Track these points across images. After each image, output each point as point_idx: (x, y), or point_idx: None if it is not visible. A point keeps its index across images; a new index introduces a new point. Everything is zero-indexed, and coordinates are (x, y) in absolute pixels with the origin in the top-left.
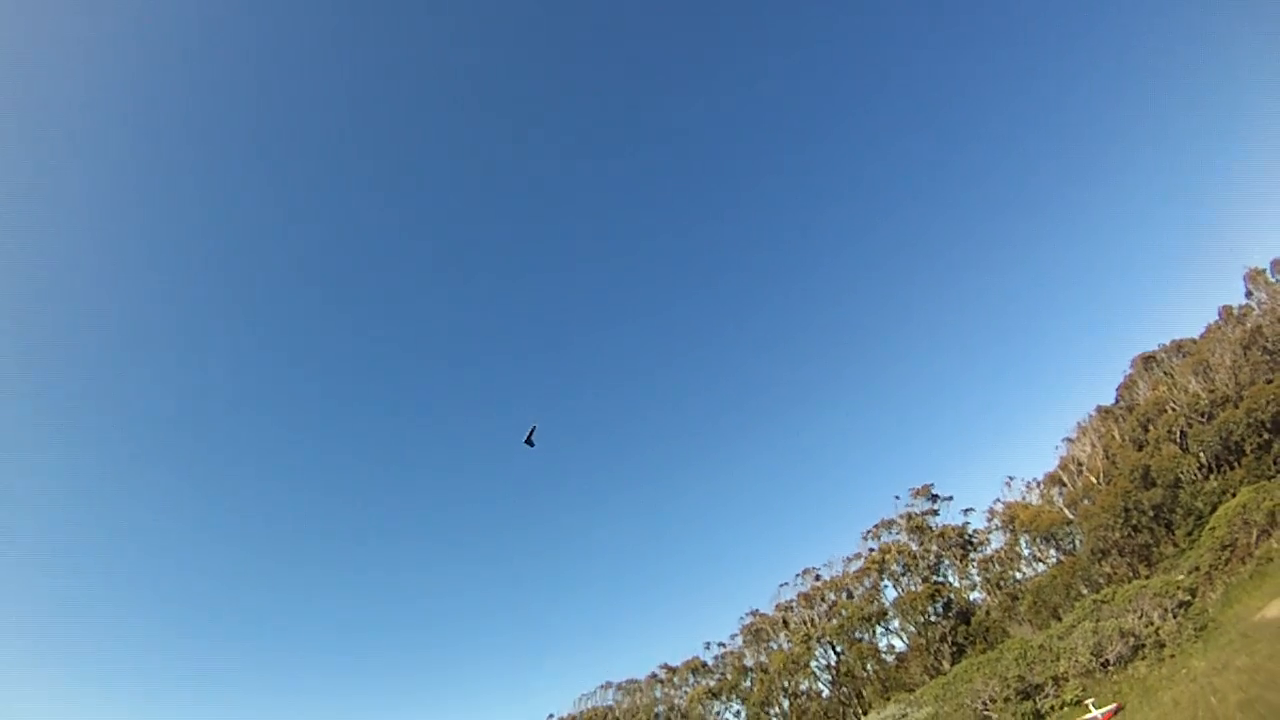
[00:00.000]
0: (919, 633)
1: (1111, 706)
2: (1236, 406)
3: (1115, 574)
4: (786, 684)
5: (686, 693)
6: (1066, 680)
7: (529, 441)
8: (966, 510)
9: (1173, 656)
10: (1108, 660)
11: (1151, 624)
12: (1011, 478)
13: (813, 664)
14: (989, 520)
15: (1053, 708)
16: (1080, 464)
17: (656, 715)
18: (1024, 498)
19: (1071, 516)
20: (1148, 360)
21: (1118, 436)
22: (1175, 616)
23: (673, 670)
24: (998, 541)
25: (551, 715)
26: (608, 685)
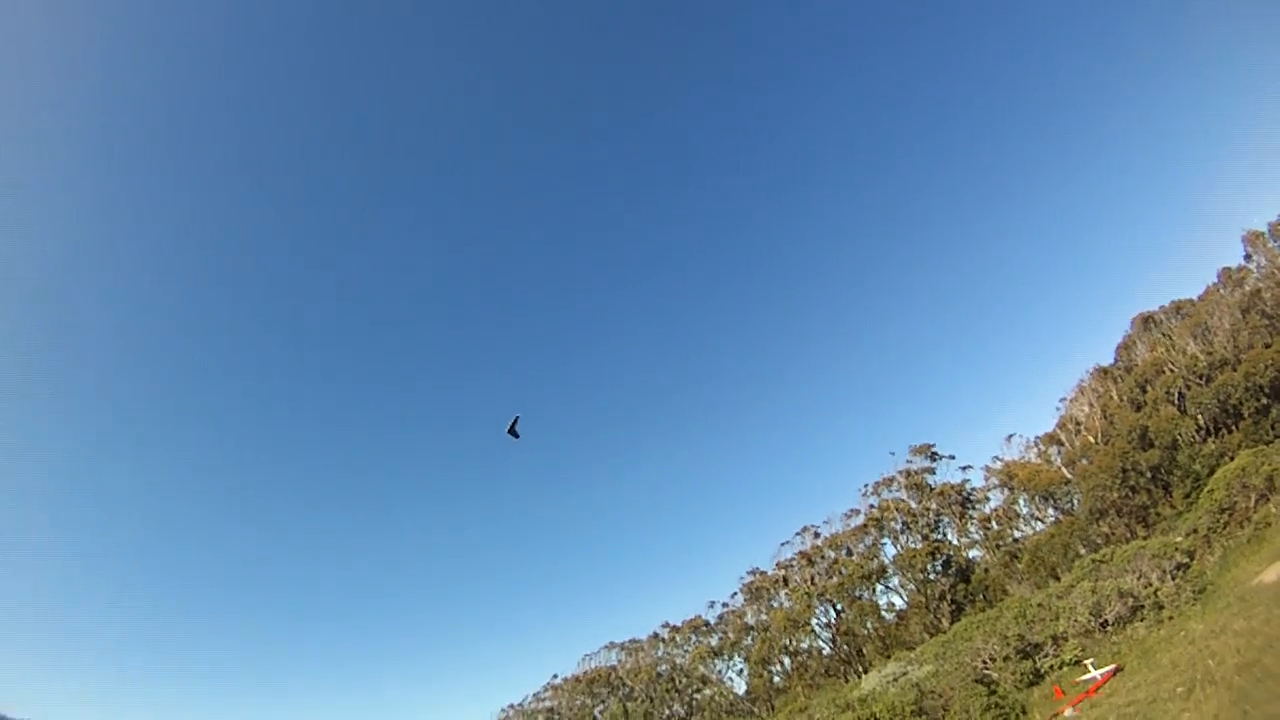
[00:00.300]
0: (918, 590)
1: (1111, 667)
2: (1235, 370)
3: (1113, 534)
4: (788, 642)
5: (689, 651)
6: (1066, 640)
7: (512, 432)
8: (965, 468)
9: (1171, 619)
10: (1106, 621)
11: (1150, 585)
12: (1012, 435)
13: (813, 622)
14: (987, 478)
15: (1052, 667)
16: (1078, 423)
17: (659, 674)
18: (1023, 456)
19: (1070, 476)
20: (1147, 321)
21: (1116, 397)
22: (1173, 578)
23: (675, 629)
24: (996, 500)
25: (556, 675)
26: (611, 645)
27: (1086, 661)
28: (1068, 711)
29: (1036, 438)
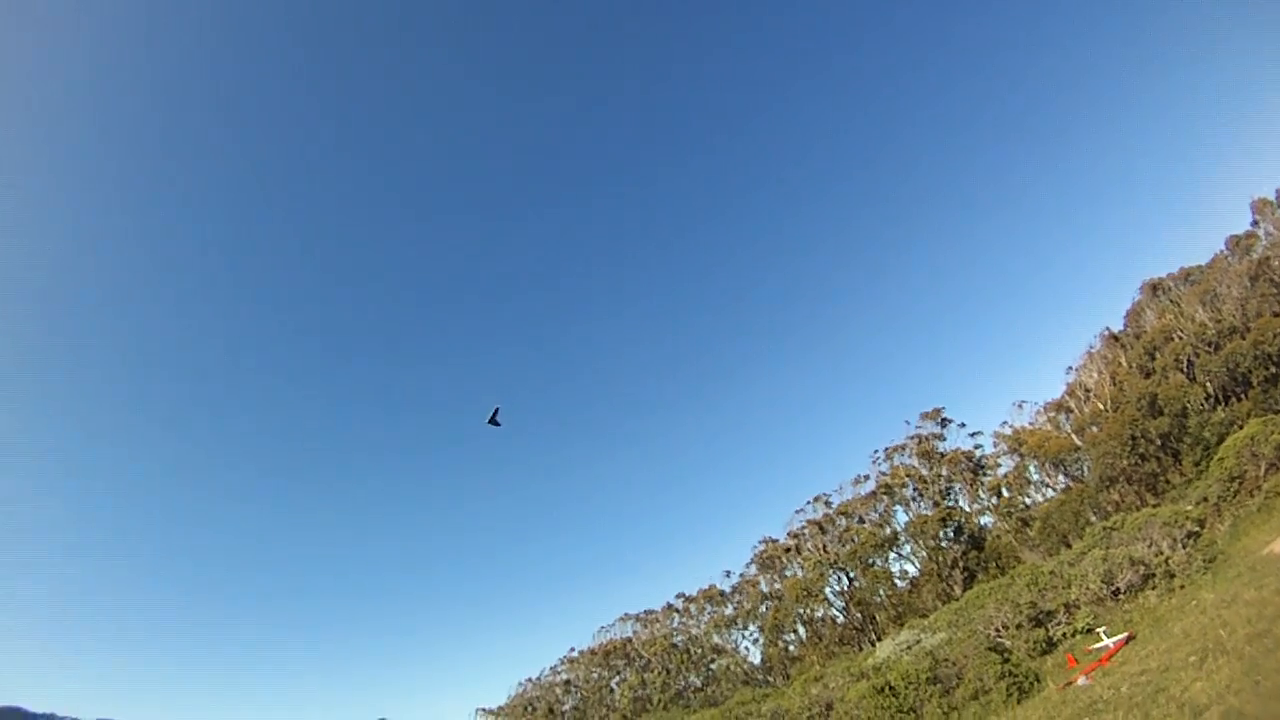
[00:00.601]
0: (930, 558)
1: (1123, 635)
2: (1243, 338)
3: (1123, 502)
4: (802, 610)
5: (704, 622)
6: (1078, 608)
7: (493, 421)
8: (974, 434)
9: (1182, 587)
10: (1118, 589)
11: (1161, 553)
12: (1022, 402)
13: (826, 590)
14: (996, 444)
15: (1065, 635)
16: (1088, 390)
17: (674, 645)
18: (1033, 422)
19: (1079, 443)
20: (1155, 287)
21: (1125, 364)
22: (1184, 547)
23: (690, 599)
24: (1007, 466)
25: (573, 648)
26: (626, 617)
27: (1099, 630)
28: (1081, 680)
29: (1046, 404)
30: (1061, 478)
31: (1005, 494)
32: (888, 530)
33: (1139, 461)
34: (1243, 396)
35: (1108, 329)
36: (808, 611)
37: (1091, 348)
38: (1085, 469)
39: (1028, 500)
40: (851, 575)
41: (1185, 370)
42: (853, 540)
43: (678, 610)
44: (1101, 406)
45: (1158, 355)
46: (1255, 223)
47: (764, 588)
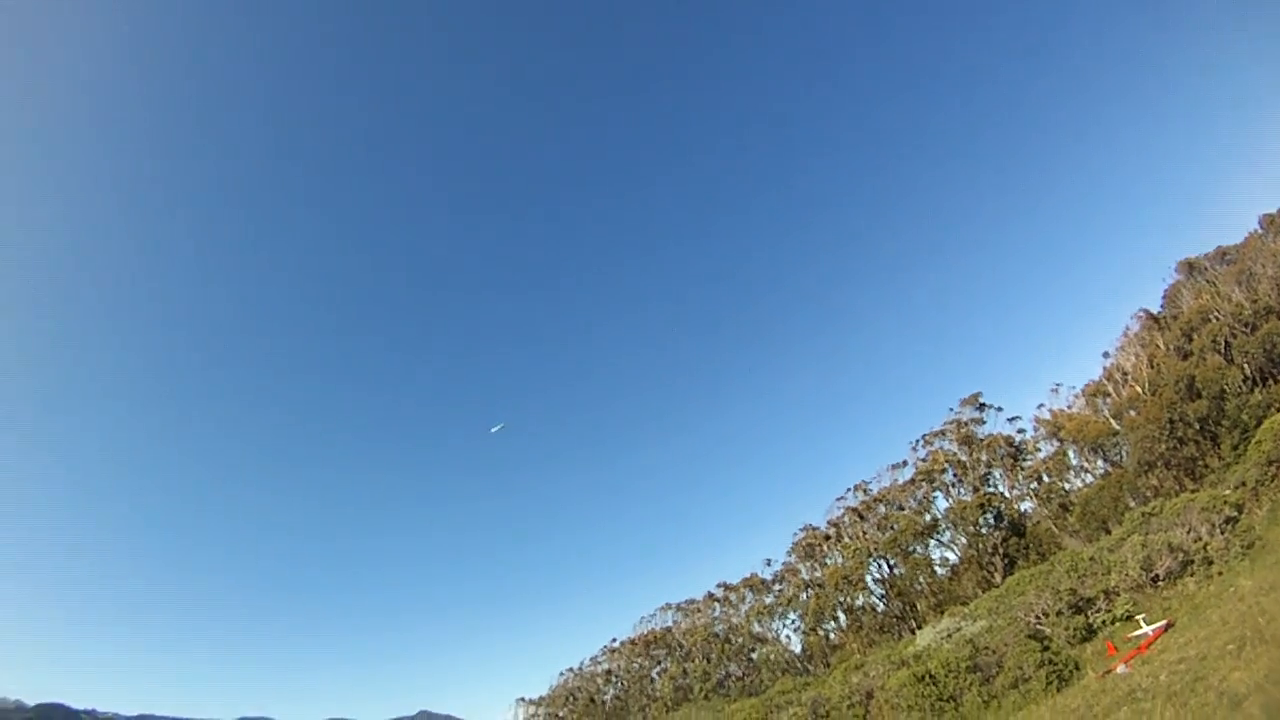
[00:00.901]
0: (970, 544)
1: (1162, 623)
2: (1279, 318)
3: (1162, 487)
4: (842, 598)
5: (745, 611)
6: (1117, 594)
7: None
8: (1013, 419)
9: (1220, 574)
10: (1157, 575)
11: (1199, 539)
12: (1058, 385)
13: (867, 578)
14: (1035, 429)
15: (1104, 622)
16: (1125, 373)
17: (715, 634)
18: (1070, 406)
19: (1118, 427)
20: (1191, 266)
21: (1162, 345)
22: (1222, 533)
23: (730, 588)
24: (1046, 451)
25: (614, 638)
26: (667, 607)
27: (1139, 617)
28: (1120, 668)
29: (1084, 388)
30: (1100, 463)
31: (1045, 479)
32: (927, 517)
33: (1177, 445)
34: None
35: (1144, 310)
36: (848, 599)
37: (1128, 329)
38: (1124, 454)
39: (1067, 486)
40: (892, 563)
41: (1223, 352)
42: (892, 527)
43: (719, 599)
44: (1139, 390)
45: (1195, 337)
46: None
47: (804, 576)
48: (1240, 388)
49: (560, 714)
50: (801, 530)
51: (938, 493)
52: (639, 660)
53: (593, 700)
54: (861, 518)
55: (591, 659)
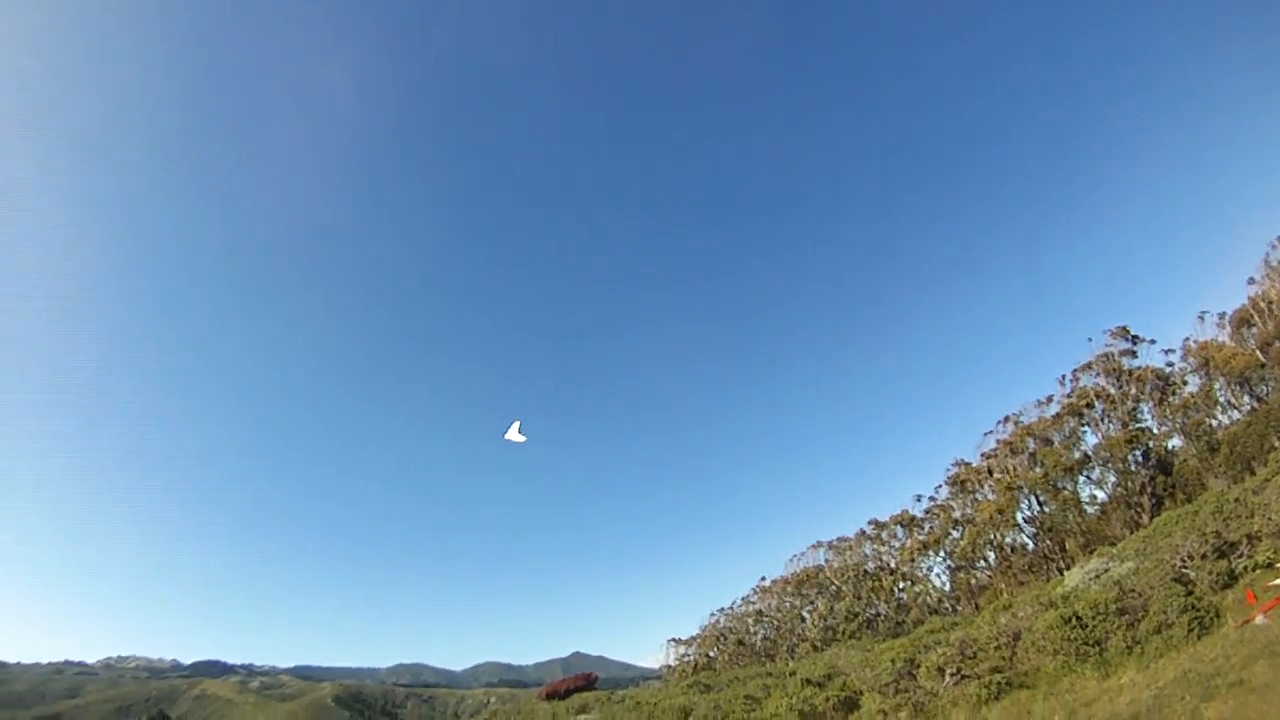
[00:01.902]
0: (1119, 483)
1: None
2: None
3: None
4: (993, 536)
5: (896, 548)
6: (1260, 540)
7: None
8: (1167, 351)
9: None
10: None
11: None
12: (1204, 312)
13: (1017, 515)
14: (1183, 359)
15: (1246, 569)
16: (1271, 302)
17: (865, 572)
18: (1216, 336)
19: (1264, 360)
20: None
21: None
22: None
23: (881, 525)
24: (1193, 384)
25: (764, 577)
26: (818, 545)
27: (1279, 565)
28: (1259, 618)
29: (1230, 315)
30: (1247, 398)
31: (1194, 414)
32: (1076, 453)
33: None
34: None
35: None
36: (998, 537)
37: (1268, 257)
38: (1270, 388)
39: (1214, 422)
40: (1042, 499)
41: None
42: (1042, 463)
43: (869, 537)
44: None
45: None
46: None
47: (956, 513)
48: None
49: (711, 654)
50: (954, 465)
51: (1085, 428)
52: (790, 599)
53: (742, 642)
54: (1013, 452)
55: (743, 599)
